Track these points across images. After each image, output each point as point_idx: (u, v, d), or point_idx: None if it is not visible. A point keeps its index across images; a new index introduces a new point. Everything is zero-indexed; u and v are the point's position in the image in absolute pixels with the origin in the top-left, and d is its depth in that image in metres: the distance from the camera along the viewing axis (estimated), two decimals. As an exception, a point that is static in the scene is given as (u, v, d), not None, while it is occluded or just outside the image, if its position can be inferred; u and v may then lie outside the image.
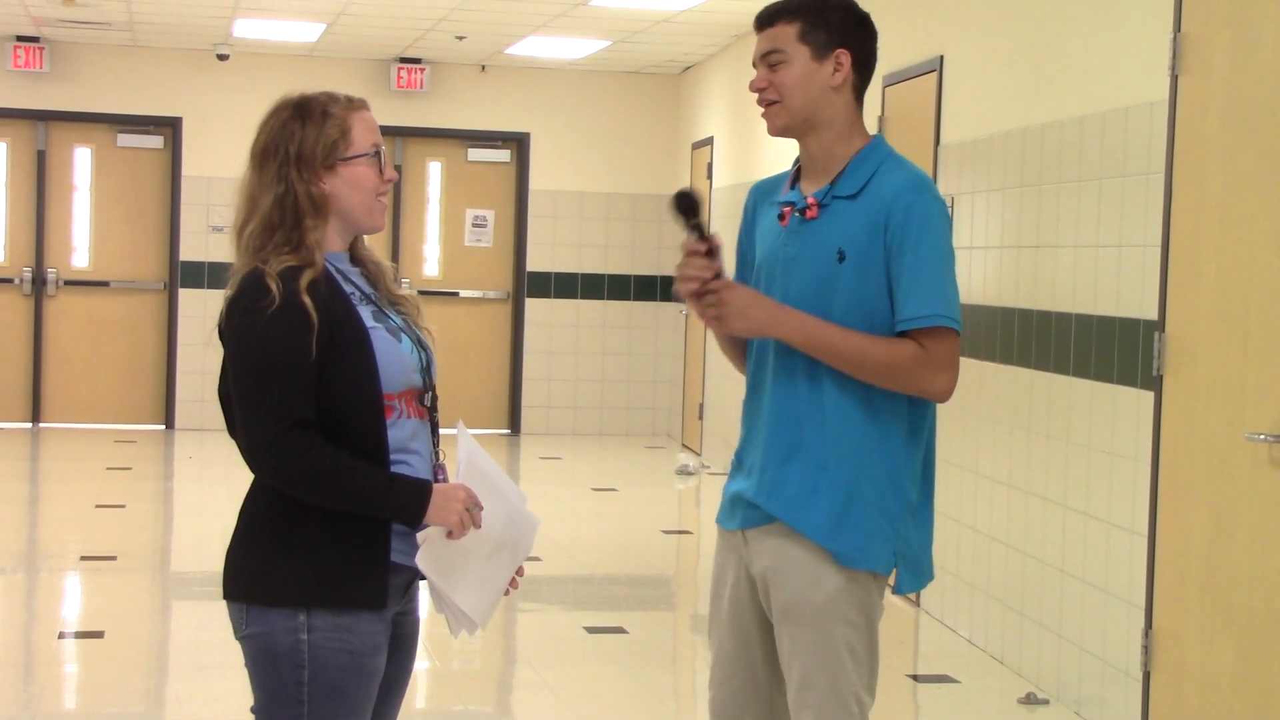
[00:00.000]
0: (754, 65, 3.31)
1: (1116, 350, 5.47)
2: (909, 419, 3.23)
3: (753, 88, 3.30)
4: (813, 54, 3.23)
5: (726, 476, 3.44)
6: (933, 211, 3.18)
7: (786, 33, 3.24)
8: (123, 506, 9.58)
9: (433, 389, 3.06)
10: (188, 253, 12.92)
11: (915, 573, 3.29)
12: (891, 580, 3.29)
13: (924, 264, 3.14)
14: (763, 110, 3.30)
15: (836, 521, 3.18)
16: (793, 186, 3.33)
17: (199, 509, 9.72)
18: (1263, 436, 4.46)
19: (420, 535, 2.92)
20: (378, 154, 3.02)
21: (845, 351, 3.15)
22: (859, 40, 3.27)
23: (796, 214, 3.26)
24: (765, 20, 3.28)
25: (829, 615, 3.19)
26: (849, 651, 3.20)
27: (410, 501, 2.89)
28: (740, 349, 3.42)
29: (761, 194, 3.42)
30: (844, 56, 3.24)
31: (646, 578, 8.30)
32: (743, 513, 3.32)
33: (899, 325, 3.15)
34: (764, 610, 3.31)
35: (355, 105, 3.03)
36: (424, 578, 2.98)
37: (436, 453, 3.05)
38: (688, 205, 3.22)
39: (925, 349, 3.14)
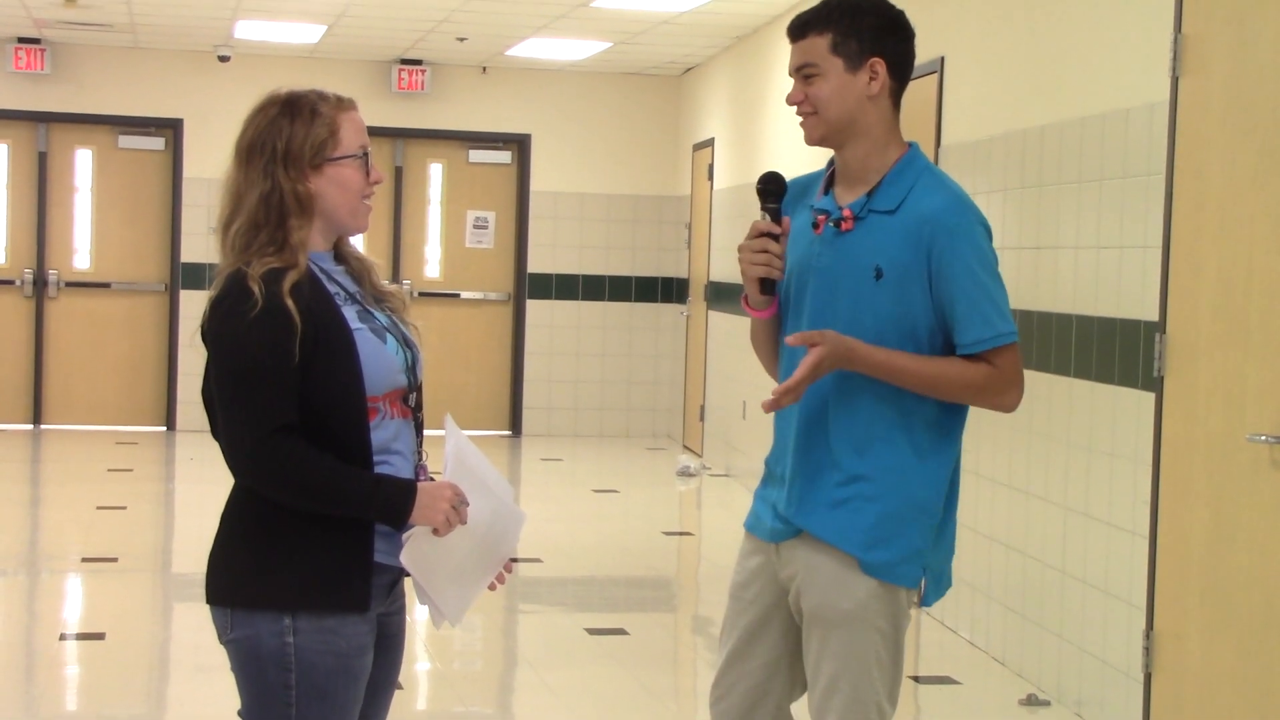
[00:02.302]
0: (790, 76, 3.27)
1: (1117, 351, 5.47)
2: (945, 439, 3.23)
3: (789, 101, 3.27)
4: (846, 65, 3.19)
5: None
6: (976, 234, 3.21)
7: (818, 45, 3.20)
8: (124, 508, 9.58)
9: (418, 388, 3.03)
10: (189, 254, 12.92)
11: (937, 584, 3.30)
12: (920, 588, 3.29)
13: (980, 286, 3.16)
14: (800, 120, 3.27)
15: (870, 535, 3.18)
16: (826, 191, 3.30)
17: (200, 510, 9.69)
18: (1264, 438, 4.45)
19: (405, 534, 2.91)
20: (365, 156, 2.99)
21: (918, 379, 3.15)
22: (893, 45, 3.22)
23: (831, 224, 3.23)
24: (797, 32, 3.24)
25: (860, 622, 3.19)
26: (875, 659, 3.20)
27: (396, 502, 2.87)
28: (774, 351, 3.38)
29: (794, 194, 3.35)
30: (879, 65, 3.19)
31: (647, 579, 8.29)
32: (772, 524, 3.30)
33: (965, 349, 3.16)
34: (789, 616, 3.30)
35: (344, 105, 2.99)
36: (408, 575, 2.97)
37: (420, 452, 3.03)
38: (774, 189, 3.25)
39: (997, 368, 3.17)
